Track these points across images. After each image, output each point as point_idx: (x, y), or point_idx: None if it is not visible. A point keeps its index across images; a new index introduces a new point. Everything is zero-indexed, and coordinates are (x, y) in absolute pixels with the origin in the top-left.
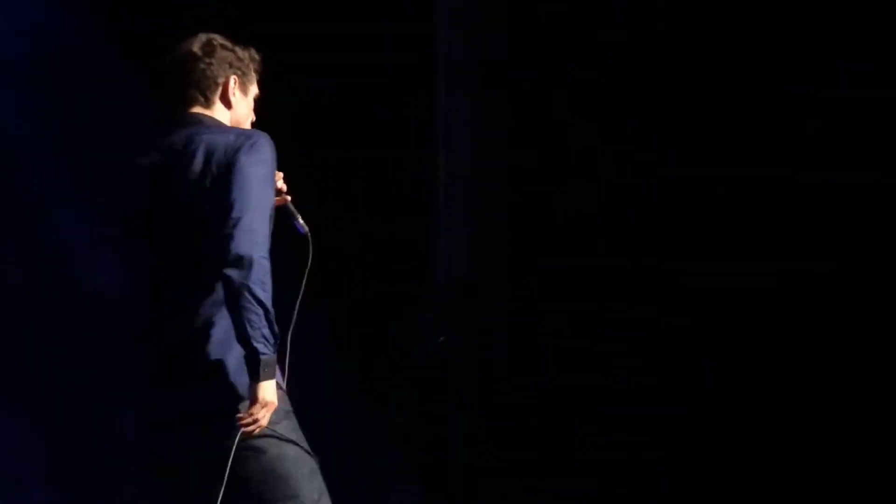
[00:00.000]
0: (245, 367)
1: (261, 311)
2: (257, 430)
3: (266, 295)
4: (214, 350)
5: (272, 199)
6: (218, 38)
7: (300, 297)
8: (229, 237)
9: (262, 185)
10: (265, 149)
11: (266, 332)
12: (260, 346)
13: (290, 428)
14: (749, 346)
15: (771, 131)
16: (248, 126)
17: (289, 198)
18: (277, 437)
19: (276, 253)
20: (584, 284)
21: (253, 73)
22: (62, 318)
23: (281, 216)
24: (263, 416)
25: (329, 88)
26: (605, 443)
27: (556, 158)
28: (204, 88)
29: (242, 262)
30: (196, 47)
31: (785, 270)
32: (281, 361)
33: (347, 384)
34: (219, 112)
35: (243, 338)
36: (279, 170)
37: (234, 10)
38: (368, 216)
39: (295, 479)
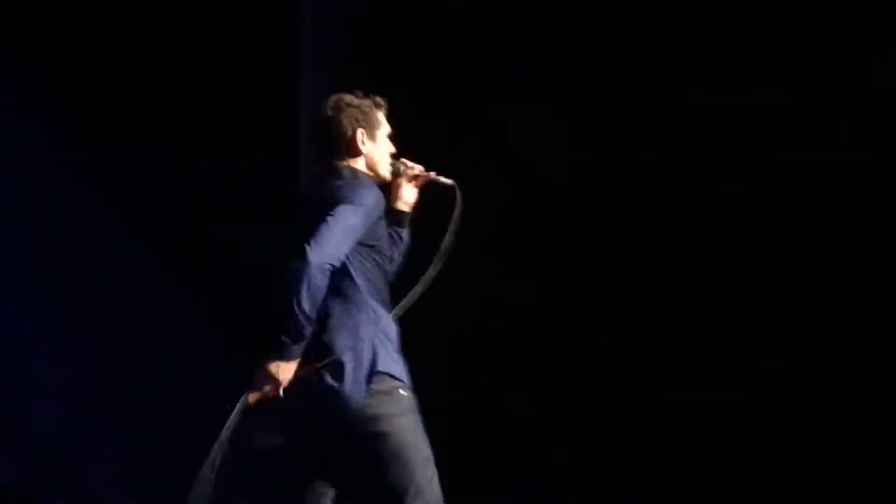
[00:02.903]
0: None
1: (290, 300)
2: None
3: (302, 290)
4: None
5: (356, 229)
6: (345, 98)
7: (444, 248)
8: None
9: (349, 214)
10: (363, 193)
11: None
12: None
13: (414, 421)
14: None
15: None
16: (386, 163)
17: (431, 174)
18: (402, 427)
19: None
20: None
21: (377, 119)
22: None
23: (431, 189)
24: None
25: None
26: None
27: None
28: (339, 143)
29: (299, 254)
30: (327, 109)
31: None
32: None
33: None
34: (355, 160)
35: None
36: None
37: None
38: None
39: (413, 464)
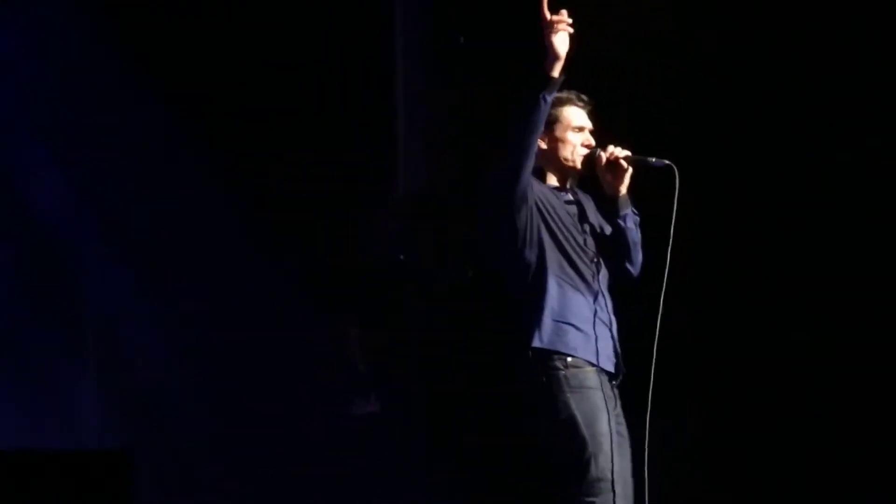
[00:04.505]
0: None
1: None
2: None
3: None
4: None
5: None
6: None
7: (672, 226)
8: None
9: None
10: None
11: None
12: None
13: (581, 399)
14: None
15: None
16: (572, 155)
17: (636, 157)
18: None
19: None
20: None
21: (558, 114)
22: None
23: (639, 170)
24: None
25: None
26: None
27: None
28: None
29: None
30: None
31: None
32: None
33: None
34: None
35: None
36: None
37: None
38: (331, 136)
39: (584, 446)
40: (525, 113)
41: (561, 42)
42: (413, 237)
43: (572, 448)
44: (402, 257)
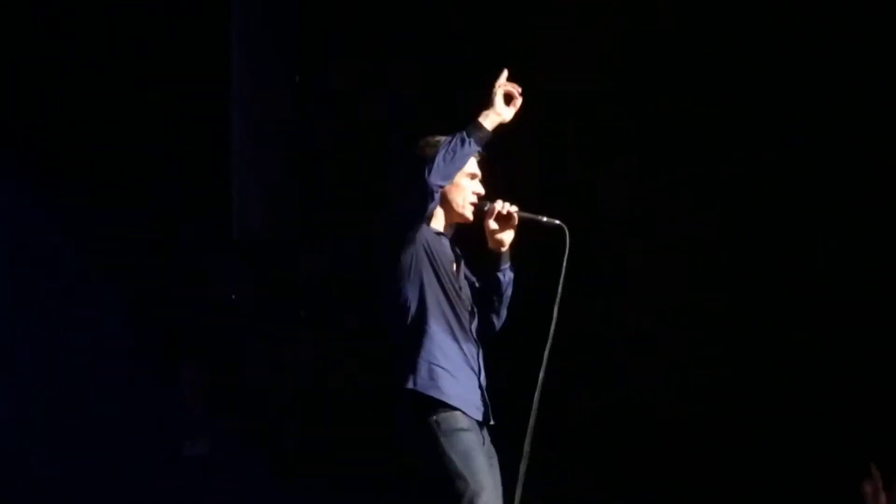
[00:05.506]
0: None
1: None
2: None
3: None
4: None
5: None
6: (426, 137)
7: (560, 285)
8: None
9: None
10: None
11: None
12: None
13: (453, 442)
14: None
15: None
16: (464, 204)
17: (527, 214)
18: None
19: None
20: None
21: None
22: None
23: (528, 228)
24: None
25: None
26: None
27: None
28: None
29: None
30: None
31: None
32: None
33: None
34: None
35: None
36: None
37: None
38: (169, 176)
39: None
40: (456, 150)
41: (511, 111)
42: (248, 278)
43: (455, 489)
44: (234, 297)
